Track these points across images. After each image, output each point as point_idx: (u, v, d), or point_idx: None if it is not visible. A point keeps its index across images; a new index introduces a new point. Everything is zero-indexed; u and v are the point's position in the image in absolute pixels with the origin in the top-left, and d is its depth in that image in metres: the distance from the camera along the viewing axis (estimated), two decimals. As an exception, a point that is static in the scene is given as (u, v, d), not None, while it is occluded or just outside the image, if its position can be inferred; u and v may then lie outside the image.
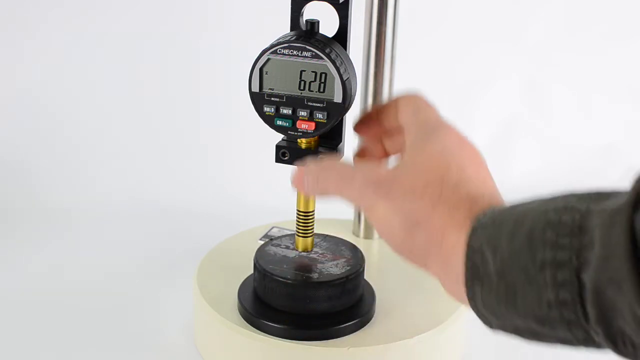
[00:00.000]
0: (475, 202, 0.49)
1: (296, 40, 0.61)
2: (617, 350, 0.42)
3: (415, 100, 0.58)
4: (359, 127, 0.61)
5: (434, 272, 0.51)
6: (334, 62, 0.60)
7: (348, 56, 0.64)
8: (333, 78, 0.61)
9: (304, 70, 0.61)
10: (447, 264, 0.49)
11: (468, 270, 0.47)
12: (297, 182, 0.58)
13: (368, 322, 0.70)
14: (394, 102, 0.59)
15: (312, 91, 0.61)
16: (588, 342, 0.43)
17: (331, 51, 0.61)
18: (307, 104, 0.62)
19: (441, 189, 0.50)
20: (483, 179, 0.52)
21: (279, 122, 0.63)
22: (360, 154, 0.62)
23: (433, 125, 0.55)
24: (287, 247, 0.72)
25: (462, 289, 0.48)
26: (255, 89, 0.62)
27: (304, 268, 0.69)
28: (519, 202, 0.47)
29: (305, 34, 0.62)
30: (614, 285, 0.39)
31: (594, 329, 0.42)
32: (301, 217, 0.69)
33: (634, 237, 0.39)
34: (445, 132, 0.54)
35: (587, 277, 0.41)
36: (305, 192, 0.59)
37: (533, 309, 0.44)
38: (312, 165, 0.57)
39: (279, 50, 0.61)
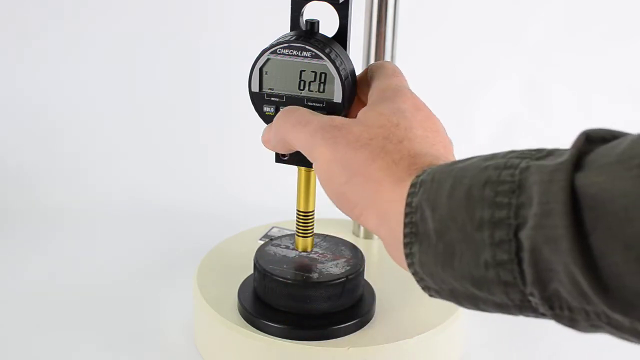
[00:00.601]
0: (417, 159, 0.49)
1: (296, 40, 0.61)
2: (554, 314, 0.41)
3: (383, 68, 0.59)
4: None
5: (371, 226, 0.50)
6: (334, 62, 0.60)
7: (348, 56, 0.64)
8: (333, 78, 0.61)
9: (304, 70, 0.61)
10: (383, 219, 0.49)
11: (406, 228, 0.46)
12: (264, 138, 0.60)
13: (368, 322, 0.70)
14: (365, 72, 0.61)
15: (312, 91, 0.61)
16: (525, 307, 0.42)
17: (331, 51, 0.61)
18: (307, 104, 0.62)
19: (384, 144, 0.51)
20: (431, 142, 0.52)
21: (279, 122, 0.63)
22: None
23: (393, 90, 0.56)
24: (287, 247, 0.72)
25: (399, 248, 0.47)
26: (255, 89, 0.62)
27: (304, 268, 0.69)
28: (460, 160, 0.46)
29: (305, 34, 0.62)
30: (551, 244, 0.38)
31: (531, 291, 0.41)
32: (301, 217, 0.69)
33: (573, 195, 0.38)
34: (402, 96, 0.55)
35: (525, 236, 0.40)
36: (270, 146, 0.60)
37: (471, 271, 0.43)
38: (277, 115, 0.59)
39: (279, 50, 0.61)
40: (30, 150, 1.09)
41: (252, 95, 0.63)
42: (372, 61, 0.80)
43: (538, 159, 0.42)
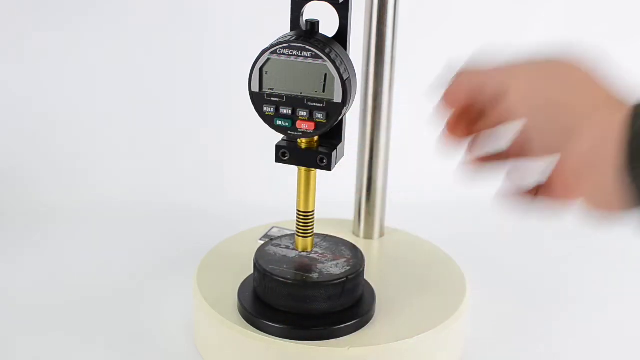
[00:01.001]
0: (625, 96, 0.49)
1: (296, 40, 0.61)
2: None
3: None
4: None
5: (575, 158, 0.49)
6: (334, 62, 0.60)
7: (348, 56, 0.64)
8: (333, 78, 0.61)
9: (304, 70, 0.61)
10: (597, 146, 0.48)
11: (629, 154, 0.46)
12: (449, 129, 0.56)
13: (368, 322, 0.70)
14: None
15: (312, 91, 0.61)
16: None
17: (331, 51, 0.61)
18: (307, 104, 0.62)
19: (586, 82, 0.51)
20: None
21: (279, 122, 0.63)
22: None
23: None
24: (287, 247, 0.72)
25: (608, 178, 0.47)
26: (255, 89, 0.62)
27: (304, 268, 0.69)
28: None
29: (305, 34, 0.62)
30: None
31: None
32: (301, 217, 0.69)
33: None
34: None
35: None
36: (454, 97, 0.56)
37: None
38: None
39: (279, 50, 0.61)
40: (29, 151, 1.09)
41: (252, 95, 0.63)
42: (372, 61, 0.79)
43: None
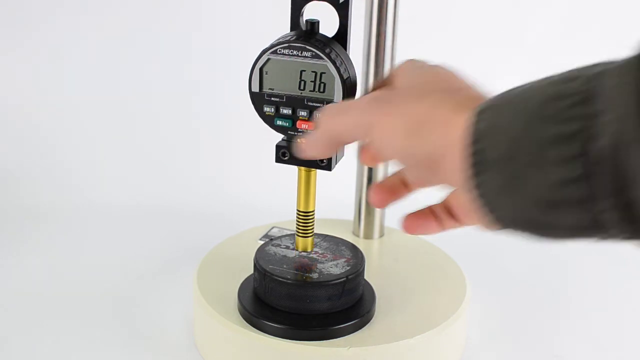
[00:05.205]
0: (478, 101, 0.46)
1: (296, 40, 0.61)
2: (633, 226, 0.39)
3: (402, 63, 0.57)
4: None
5: (450, 172, 0.46)
6: (334, 62, 0.60)
7: (348, 56, 0.64)
8: (333, 78, 0.61)
9: (304, 70, 0.61)
10: (453, 171, 0.46)
11: (472, 158, 0.44)
12: (306, 148, 0.56)
13: (368, 322, 0.70)
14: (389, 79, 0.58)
15: (312, 91, 0.61)
16: (600, 225, 0.40)
17: (331, 51, 0.61)
18: (307, 104, 0.62)
19: (443, 94, 0.49)
20: (484, 92, 0.50)
21: (279, 122, 0.63)
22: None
23: (420, 65, 0.55)
24: (287, 247, 0.72)
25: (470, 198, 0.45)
26: (255, 89, 0.62)
27: (304, 268, 0.69)
28: (517, 86, 0.44)
29: (305, 34, 0.62)
30: (631, 147, 0.36)
31: (607, 205, 0.38)
32: (301, 217, 0.69)
33: None
34: (434, 65, 0.54)
35: (599, 146, 0.38)
36: (316, 149, 0.56)
37: (542, 193, 0.41)
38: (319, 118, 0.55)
39: (279, 50, 0.61)
40: (29, 151, 1.09)
41: (253, 95, 0.63)
42: (372, 61, 0.79)
43: (604, 65, 0.39)
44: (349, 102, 0.54)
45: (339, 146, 0.56)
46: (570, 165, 0.39)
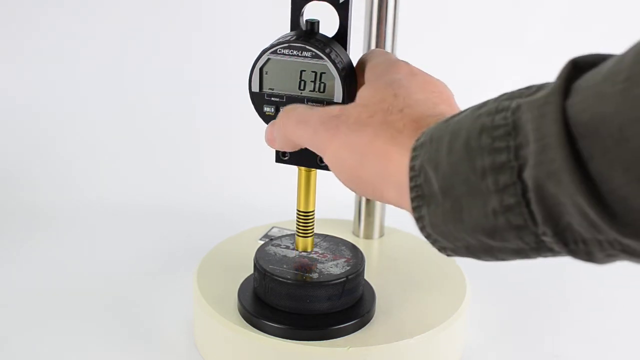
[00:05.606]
0: (420, 123, 0.48)
1: (296, 40, 0.61)
2: (569, 250, 0.40)
3: (372, 52, 0.59)
4: None
5: (394, 202, 0.49)
6: (334, 62, 0.60)
7: (348, 56, 0.64)
8: (333, 78, 0.61)
9: (304, 70, 0.61)
10: (402, 188, 0.47)
11: (412, 192, 0.46)
12: (268, 138, 0.59)
13: (368, 322, 0.70)
14: (358, 65, 0.61)
15: (312, 91, 0.61)
16: (541, 248, 0.41)
17: (331, 51, 0.61)
18: (307, 104, 0.62)
19: (385, 117, 0.50)
20: (434, 102, 0.51)
21: (279, 122, 0.63)
22: None
23: (384, 64, 0.56)
24: (287, 247, 0.72)
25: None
26: (255, 89, 0.62)
27: (304, 268, 0.69)
28: (455, 114, 0.45)
29: (305, 34, 0.62)
30: (553, 179, 0.38)
31: (543, 230, 0.40)
32: (301, 217, 0.69)
33: (566, 125, 0.37)
34: (395, 67, 0.55)
35: (528, 176, 0.39)
36: (276, 146, 0.59)
37: (481, 222, 0.42)
38: (279, 114, 0.59)
39: (279, 50, 0.61)
40: (29, 151, 1.09)
41: (252, 95, 0.63)
42: (372, 61, 0.80)
43: (528, 96, 0.41)
44: (306, 113, 0.56)
45: (296, 148, 0.59)
46: (507, 192, 0.40)
